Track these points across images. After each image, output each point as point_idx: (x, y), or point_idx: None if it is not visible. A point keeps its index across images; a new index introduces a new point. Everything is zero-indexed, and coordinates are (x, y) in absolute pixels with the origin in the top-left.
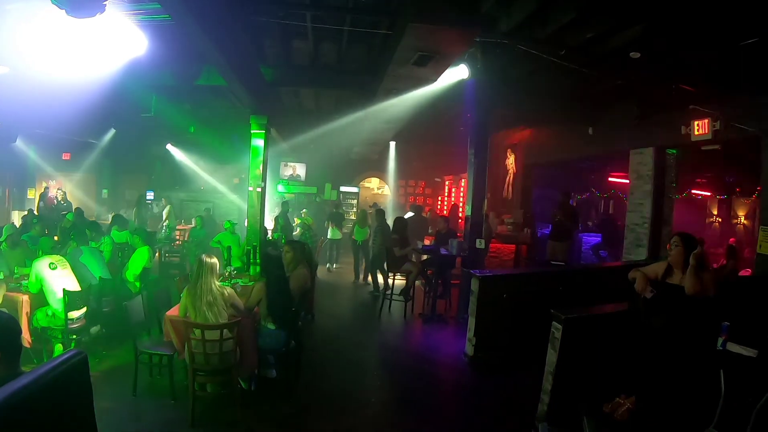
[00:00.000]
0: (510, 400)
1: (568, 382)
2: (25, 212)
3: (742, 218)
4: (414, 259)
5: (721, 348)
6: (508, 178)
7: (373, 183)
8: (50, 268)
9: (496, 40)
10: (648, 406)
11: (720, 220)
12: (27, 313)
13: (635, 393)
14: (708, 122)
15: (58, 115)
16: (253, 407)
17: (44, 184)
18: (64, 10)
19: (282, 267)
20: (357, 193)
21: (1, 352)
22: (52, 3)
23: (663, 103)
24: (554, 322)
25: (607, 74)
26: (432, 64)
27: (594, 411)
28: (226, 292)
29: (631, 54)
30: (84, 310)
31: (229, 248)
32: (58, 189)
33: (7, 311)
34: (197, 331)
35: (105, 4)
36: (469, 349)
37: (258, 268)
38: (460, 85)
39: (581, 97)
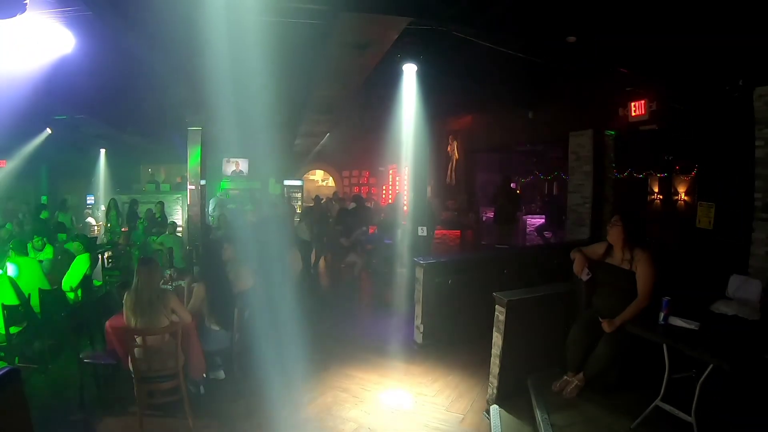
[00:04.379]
0: (460, 382)
1: (515, 363)
2: None
3: (683, 195)
4: (358, 250)
5: (662, 323)
6: (450, 164)
7: (317, 175)
8: None
9: (433, 26)
10: (596, 382)
11: (661, 197)
12: None
13: (582, 370)
14: (644, 103)
15: None
16: (202, 410)
17: None
18: None
19: (221, 266)
20: (301, 186)
21: None
22: None
23: (600, 86)
24: (497, 306)
25: (546, 59)
26: (368, 51)
27: (543, 390)
28: (166, 295)
29: (567, 38)
30: (24, 324)
31: (171, 250)
32: None
33: None
34: (139, 338)
35: (26, 4)
36: (417, 337)
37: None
38: (397, 73)
39: (521, 82)
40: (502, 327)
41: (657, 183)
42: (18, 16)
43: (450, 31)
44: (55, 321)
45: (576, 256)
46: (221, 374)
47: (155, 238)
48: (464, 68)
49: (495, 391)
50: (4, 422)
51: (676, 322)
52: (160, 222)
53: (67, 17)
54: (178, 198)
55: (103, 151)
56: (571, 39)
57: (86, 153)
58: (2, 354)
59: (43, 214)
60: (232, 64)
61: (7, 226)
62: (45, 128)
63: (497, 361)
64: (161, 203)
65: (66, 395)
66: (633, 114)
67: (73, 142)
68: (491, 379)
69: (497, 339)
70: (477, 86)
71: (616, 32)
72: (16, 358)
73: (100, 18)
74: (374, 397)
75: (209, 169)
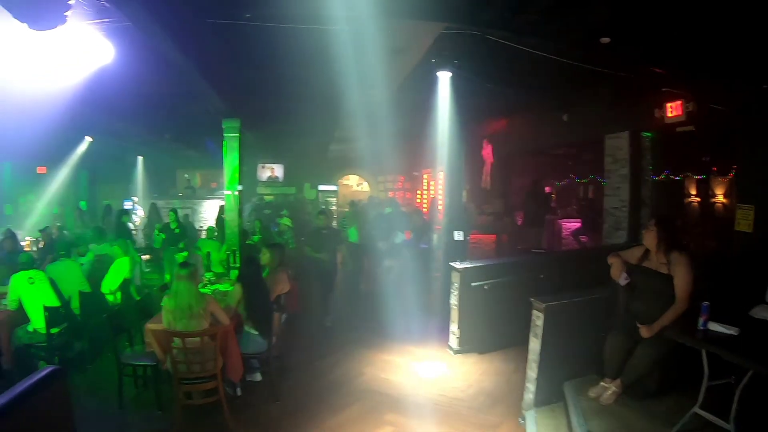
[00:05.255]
0: (495, 389)
1: (552, 369)
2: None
3: (721, 197)
4: (395, 255)
5: (701, 328)
6: (485, 168)
7: (352, 180)
8: (28, 282)
9: (468, 31)
10: (634, 388)
11: (699, 200)
12: (7, 331)
13: (620, 377)
14: (681, 104)
15: (30, 129)
16: (239, 412)
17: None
18: (26, 24)
19: (259, 270)
20: (336, 192)
21: None
22: (14, 17)
23: (636, 87)
24: (534, 311)
25: (579, 60)
26: (402, 57)
27: (580, 396)
28: (206, 298)
29: (601, 39)
30: (65, 325)
31: (208, 254)
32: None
33: None
34: (178, 340)
35: (66, 16)
36: (453, 342)
37: (236, 273)
38: (432, 77)
39: (555, 84)
40: (539, 332)
41: (694, 185)
42: (58, 28)
43: (484, 35)
44: (94, 322)
45: (613, 261)
46: (258, 376)
47: (177, 252)
48: (498, 72)
49: (531, 396)
50: (49, 420)
51: (715, 327)
52: (178, 234)
53: (106, 28)
54: (213, 202)
55: (140, 158)
56: (605, 40)
57: (124, 159)
58: (42, 354)
59: (124, 219)
60: (269, 72)
61: (68, 225)
62: (85, 137)
63: (534, 367)
64: (175, 211)
65: (105, 395)
66: (669, 115)
67: (112, 149)
68: (527, 384)
69: (534, 344)
70: (511, 89)
71: (651, 32)
72: (56, 359)
73: (139, 28)
74: (410, 401)
75: (244, 174)
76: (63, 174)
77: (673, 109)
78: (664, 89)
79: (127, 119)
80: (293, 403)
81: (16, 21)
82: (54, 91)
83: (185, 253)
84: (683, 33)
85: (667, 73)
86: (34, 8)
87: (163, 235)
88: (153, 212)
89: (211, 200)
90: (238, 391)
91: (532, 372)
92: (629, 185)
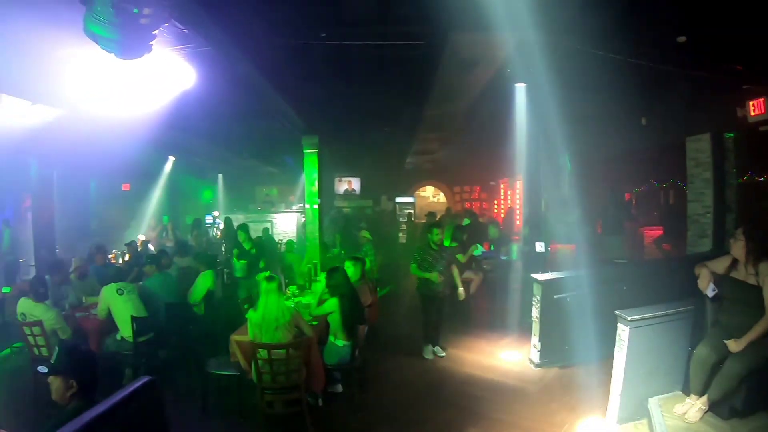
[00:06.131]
0: (577, 404)
1: (636, 384)
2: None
3: None
4: (474, 267)
5: None
6: (563, 176)
7: (428, 191)
8: (117, 294)
9: (541, 40)
10: (720, 406)
11: None
12: (97, 339)
13: (706, 393)
14: (764, 101)
15: (116, 151)
16: (321, 423)
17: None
18: (113, 54)
19: (350, 284)
20: (413, 203)
21: (78, 383)
22: (101, 48)
23: (716, 87)
24: (620, 324)
25: (656, 62)
26: (477, 69)
27: (664, 413)
28: (291, 311)
29: (678, 39)
30: (151, 335)
31: (290, 266)
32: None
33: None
34: (263, 352)
35: (152, 45)
36: (534, 355)
37: (320, 285)
38: (507, 87)
39: (632, 88)
40: (624, 346)
41: None
42: (145, 56)
43: (558, 42)
44: (179, 332)
45: (700, 271)
46: (339, 388)
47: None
48: (574, 78)
49: (615, 412)
50: (145, 426)
51: None
52: (255, 255)
53: (187, 53)
54: (291, 216)
55: (220, 175)
56: (682, 39)
57: (205, 176)
58: (129, 361)
59: (246, 245)
60: (346, 88)
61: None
62: (168, 156)
63: (618, 382)
64: (245, 229)
65: (188, 403)
66: (752, 113)
67: (193, 167)
68: (611, 400)
69: (618, 359)
70: (587, 95)
71: (730, 28)
72: (142, 367)
73: (219, 52)
74: (491, 416)
75: (322, 188)
76: (149, 190)
77: (756, 108)
78: (745, 87)
79: (207, 138)
80: (374, 415)
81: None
82: (139, 115)
83: (267, 273)
84: (764, 27)
85: (748, 70)
86: (121, 39)
87: (243, 262)
88: (229, 226)
89: (289, 213)
90: (320, 402)
91: (615, 387)
92: (713, 190)
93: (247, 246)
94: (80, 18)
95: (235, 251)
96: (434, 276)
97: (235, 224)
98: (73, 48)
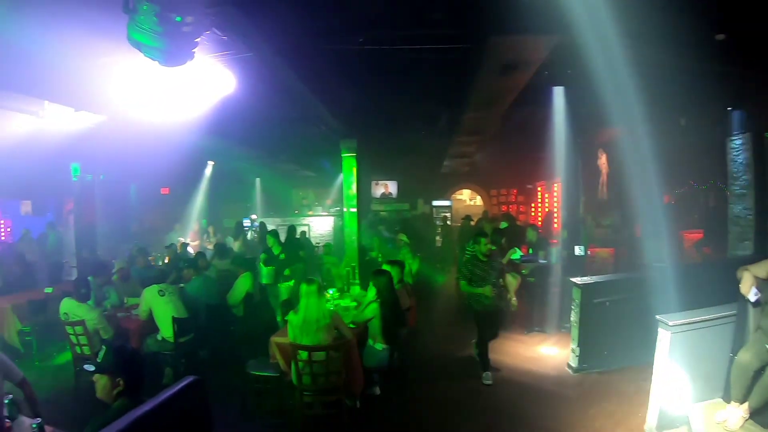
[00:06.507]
0: (616, 410)
1: (678, 390)
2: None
3: None
4: (512, 271)
5: None
6: (601, 178)
7: (464, 195)
8: (159, 295)
9: (578, 40)
10: (762, 414)
11: None
12: (138, 339)
13: (748, 400)
14: None
15: (157, 156)
16: (358, 425)
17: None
18: (156, 61)
19: (394, 287)
20: (450, 207)
21: (125, 382)
22: (145, 56)
23: (756, 85)
24: (660, 329)
25: (694, 60)
26: (516, 72)
27: (705, 421)
28: (331, 313)
29: (716, 36)
30: (191, 335)
31: (328, 270)
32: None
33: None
34: (304, 353)
35: (194, 52)
36: (573, 360)
37: (357, 288)
38: (545, 89)
39: (670, 87)
40: (664, 351)
41: None
42: (187, 63)
43: (596, 43)
44: (220, 333)
45: (742, 275)
46: (377, 390)
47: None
48: (612, 78)
49: (654, 419)
50: (190, 424)
51: None
52: (283, 261)
53: (227, 60)
54: (329, 219)
55: (258, 179)
56: (721, 37)
57: (243, 180)
58: (169, 360)
59: (275, 250)
60: (385, 92)
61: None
62: (207, 161)
63: (658, 388)
64: (275, 234)
65: (227, 403)
66: None
67: (231, 171)
68: (650, 406)
69: (658, 364)
70: (626, 96)
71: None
72: (182, 367)
73: (260, 58)
74: (528, 421)
75: (359, 191)
76: (188, 194)
77: None
78: None
79: (246, 143)
80: (411, 417)
81: (146, 59)
82: (179, 121)
83: (290, 283)
84: None
85: None
86: (165, 47)
87: (271, 267)
88: (263, 230)
89: (325, 217)
90: (358, 404)
91: (655, 394)
92: (754, 192)
93: (276, 251)
94: (122, 27)
95: (262, 256)
96: (487, 290)
97: (270, 228)
98: (115, 56)
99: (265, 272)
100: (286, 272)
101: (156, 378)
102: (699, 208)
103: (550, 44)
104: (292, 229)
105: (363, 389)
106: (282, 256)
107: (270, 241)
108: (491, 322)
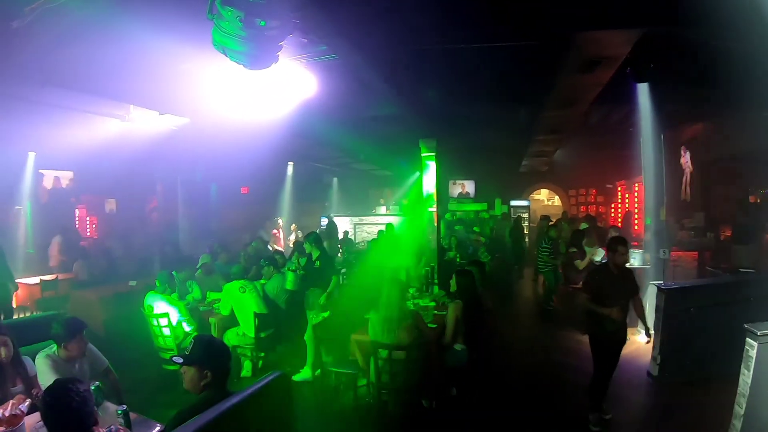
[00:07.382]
0: (698, 423)
1: (764, 406)
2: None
3: None
4: None
5: None
6: (684, 178)
7: (542, 195)
8: (240, 291)
9: (662, 34)
10: None
11: None
12: (218, 333)
13: None
14: None
15: (237, 156)
16: (434, 425)
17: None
18: (242, 65)
19: (476, 288)
20: (528, 207)
21: (213, 374)
22: (231, 60)
23: None
24: (748, 339)
25: None
26: (599, 69)
27: None
28: (411, 313)
29: None
30: (271, 330)
31: (407, 270)
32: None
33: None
34: (384, 351)
35: (278, 55)
36: (653, 368)
37: (436, 289)
38: (626, 86)
39: (761, 79)
40: (751, 363)
41: None
42: (272, 66)
43: (680, 36)
44: (298, 329)
45: None
46: (453, 391)
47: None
48: (696, 73)
49: None
50: (276, 417)
51: None
52: (317, 270)
53: (309, 61)
54: (405, 220)
55: (335, 179)
56: None
57: (321, 180)
58: (248, 354)
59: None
60: (464, 91)
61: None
62: (286, 161)
63: (742, 402)
64: (315, 239)
65: (301, 397)
66: None
67: (310, 171)
68: (734, 422)
69: (745, 377)
70: (710, 91)
71: None
72: (260, 361)
73: (341, 59)
74: (606, 430)
75: (438, 191)
76: (267, 193)
77: None
78: None
79: (326, 144)
80: (488, 417)
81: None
82: (261, 122)
83: (323, 298)
84: None
85: None
86: (250, 51)
87: (301, 272)
88: (332, 226)
89: (400, 217)
90: (434, 404)
91: (739, 408)
92: None
93: (315, 255)
94: (205, 32)
95: (294, 259)
96: (614, 312)
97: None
98: (198, 60)
99: (290, 277)
100: (321, 300)
101: (235, 371)
102: None
103: (633, 38)
104: (332, 226)
105: (440, 390)
106: (317, 263)
107: (308, 247)
108: (612, 353)
